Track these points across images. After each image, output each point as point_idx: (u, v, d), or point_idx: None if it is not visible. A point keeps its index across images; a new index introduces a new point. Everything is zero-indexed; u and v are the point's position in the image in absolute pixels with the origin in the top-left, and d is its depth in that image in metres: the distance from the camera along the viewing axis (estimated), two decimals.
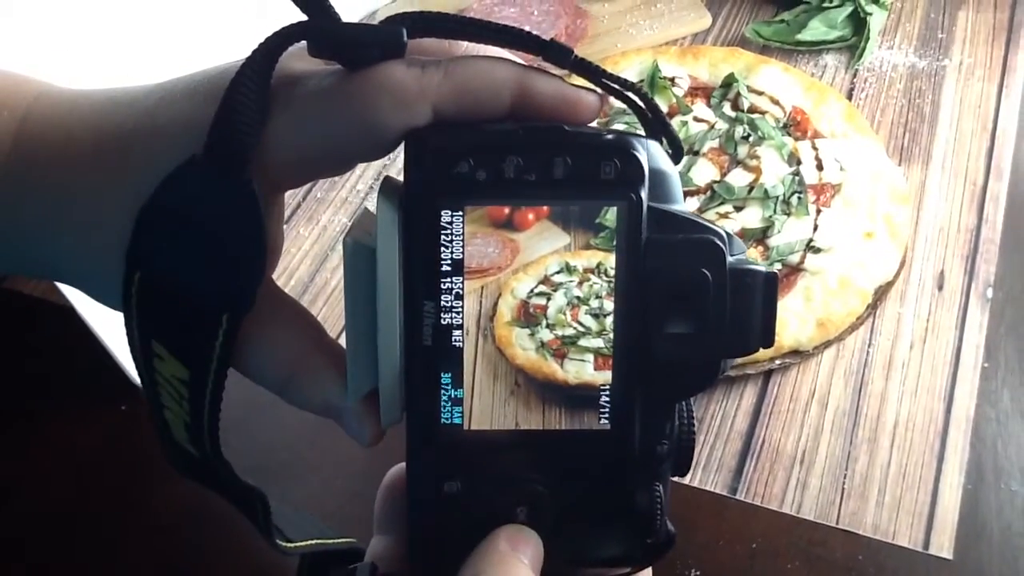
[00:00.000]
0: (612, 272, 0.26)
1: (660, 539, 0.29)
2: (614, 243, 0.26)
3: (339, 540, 0.39)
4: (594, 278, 0.27)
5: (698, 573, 0.52)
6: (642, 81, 0.75)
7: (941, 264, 0.63)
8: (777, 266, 0.61)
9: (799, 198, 0.64)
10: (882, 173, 0.66)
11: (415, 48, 0.27)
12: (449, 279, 0.26)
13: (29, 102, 0.30)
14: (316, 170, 0.29)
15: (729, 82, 0.73)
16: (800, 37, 0.78)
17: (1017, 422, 0.55)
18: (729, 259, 0.26)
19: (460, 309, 0.27)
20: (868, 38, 0.77)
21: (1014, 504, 0.52)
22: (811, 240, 0.62)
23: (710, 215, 0.65)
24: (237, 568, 0.53)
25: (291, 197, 0.78)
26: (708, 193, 0.66)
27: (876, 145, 0.68)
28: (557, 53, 0.27)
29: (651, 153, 0.26)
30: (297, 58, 0.27)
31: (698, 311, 0.26)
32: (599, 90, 0.28)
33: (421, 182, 0.26)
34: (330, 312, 0.66)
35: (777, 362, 0.58)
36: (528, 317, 0.27)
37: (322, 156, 0.28)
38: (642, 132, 0.29)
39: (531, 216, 0.26)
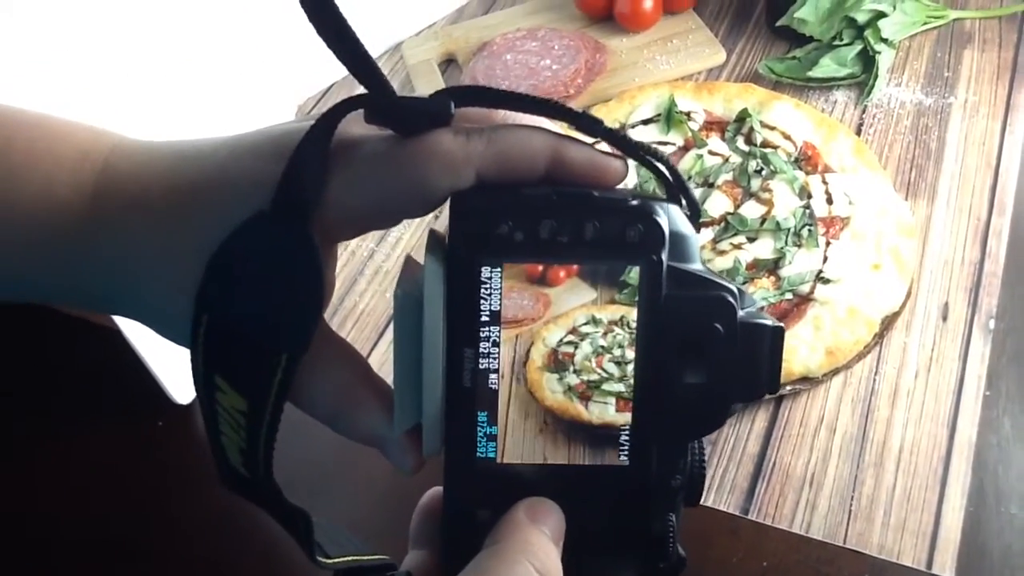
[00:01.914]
0: (634, 325, 0.29)
1: (672, 563, 0.32)
2: (636, 299, 0.29)
3: (375, 556, 0.41)
4: (617, 329, 0.29)
5: None
6: (659, 115, 0.78)
7: (946, 296, 0.66)
8: (788, 295, 0.64)
9: (809, 230, 0.67)
10: (889, 207, 0.69)
11: (460, 115, 0.30)
12: (488, 328, 0.29)
13: (106, 153, 0.33)
14: (369, 225, 0.32)
15: (743, 117, 0.76)
16: (811, 74, 0.81)
17: (1017, 449, 0.58)
18: (740, 313, 0.29)
19: (497, 355, 0.29)
20: (877, 75, 0.80)
21: (1013, 526, 0.54)
22: (821, 271, 0.65)
23: (724, 246, 0.68)
24: None
25: None
26: (722, 224, 0.69)
27: (884, 180, 0.71)
28: (588, 123, 0.30)
29: (671, 217, 0.29)
30: (355, 123, 0.30)
31: (711, 362, 0.29)
32: (624, 156, 0.31)
33: (464, 240, 0.28)
34: (358, 335, 0.69)
35: (788, 388, 0.61)
36: (557, 364, 0.30)
37: (375, 213, 0.30)
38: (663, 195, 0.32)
39: (562, 274, 0.29)
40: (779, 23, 0.84)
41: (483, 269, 0.28)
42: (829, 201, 0.69)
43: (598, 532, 0.31)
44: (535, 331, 0.30)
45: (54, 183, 0.32)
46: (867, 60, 0.81)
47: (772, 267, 0.66)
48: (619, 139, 0.30)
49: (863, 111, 0.79)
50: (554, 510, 0.30)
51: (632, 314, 0.29)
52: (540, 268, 0.29)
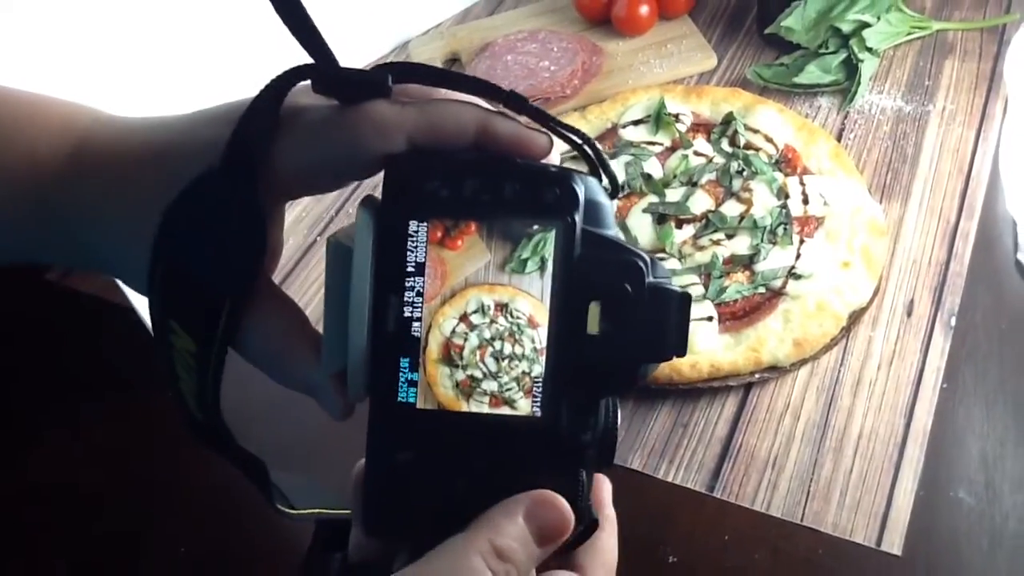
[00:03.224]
0: (516, 313, 0.31)
1: (583, 522, 0.32)
2: (539, 266, 0.30)
3: (344, 511, 0.42)
4: (501, 319, 0.31)
5: (675, 559, 0.58)
6: (649, 116, 0.82)
7: (912, 293, 0.69)
8: (761, 289, 0.68)
9: (785, 229, 0.71)
10: (862, 208, 0.72)
11: (402, 92, 0.33)
12: (413, 279, 0.31)
13: (87, 123, 0.37)
14: (313, 185, 0.34)
15: (728, 120, 0.80)
16: (797, 80, 0.85)
17: (968, 439, 0.61)
18: (649, 279, 0.31)
19: (420, 304, 0.31)
20: (859, 83, 0.83)
21: (961, 510, 0.58)
22: (793, 267, 0.69)
23: (704, 241, 0.72)
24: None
25: (325, 211, 0.86)
26: (703, 221, 0.73)
27: (859, 183, 0.74)
28: (516, 101, 0.33)
29: (589, 187, 0.31)
30: (303, 94, 0.33)
31: (619, 321, 0.31)
32: (549, 132, 0.33)
33: (394, 196, 0.31)
34: None
35: (756, 376, 0.65)
36: (449, 358, 0.31)
37: (317, 173, 0.33)
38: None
39: (460, 243, 0.31)
40: (768, 31, 0.87)
41: (411, 223, 0.31)
42: (805, 201, 0.73)
43: (512, 484, 0.31)
44: (432, 313, 0.31)
45: (37, 147, 0.36)
46: (851, 68, 0.85)
47: (748, 262, 0.70)
48: (544, 116, 0.33)
49: (845, 116, 0.83)
50: (551, 504, 0.31)
51: (516, 301, 0.31)
52: (439, 233, 0.31)
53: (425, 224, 0.31)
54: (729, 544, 0.59)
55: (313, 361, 0.33)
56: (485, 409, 0.31)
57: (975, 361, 0.65)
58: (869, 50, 0.85)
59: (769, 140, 0.78)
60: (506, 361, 0.31)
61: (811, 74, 0.85)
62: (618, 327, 0.31)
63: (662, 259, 0.71)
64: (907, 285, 0.70)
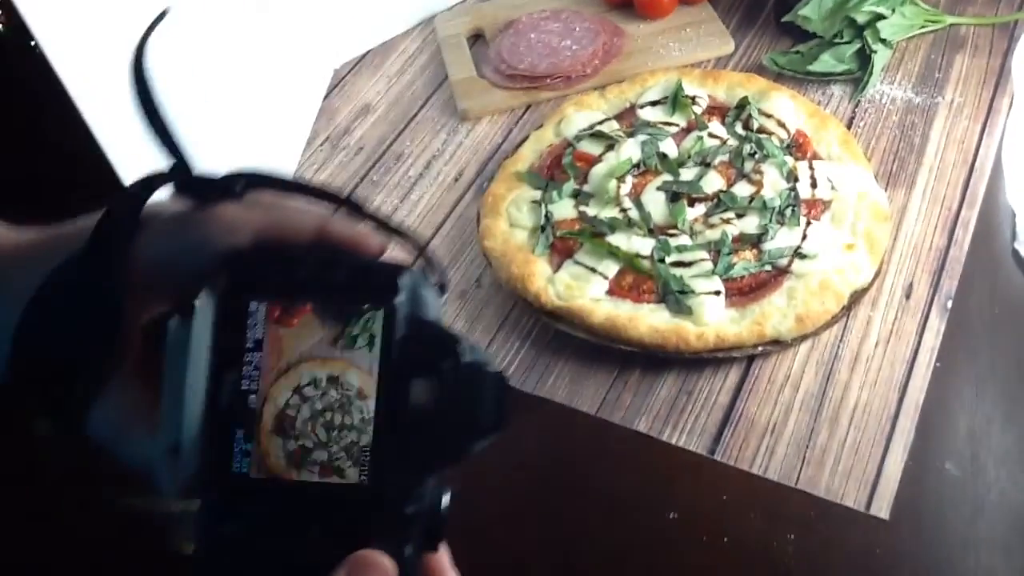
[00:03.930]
0: (347, 385, 0.32)
1: None
2: (368, 342, 0.33)
3: None
4: (332, 391, 0.32)
5: (675, 515, 0.62)
6: (666, 98, 0.85)
7: (911, 277, 0.72)
8: (767, 267, 0.71)
9: (793, 210, 0.74)
10: (868, 194, 0.75)
11: (255, 200, 0.35)
12: (251, 354, 0.33)
13: None
14: (169, 280, 0.35)
15: (743, 104, 0.83)
16: (811, 68, 0.87)
17: (958, 415, 0.65)
18: (465, 359, 0.33)
19: (257, 378, 0.32)
20: (872, 73, 0.86)
21: (946, 481, 0.62)
22: (799, 247, 0.72)
23: (714, 220, 0.75)
24: None
25: (349, 179, 0.89)
26: (715, 201, 0.76)
27: (866, 169, 0.77)
28: (353, 207, 0.36)
29: (415, 279, 0.33)
30: (162, 198, 0.35)
31: (438, 395, 0.33)
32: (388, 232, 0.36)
33: (235, 280, 0.33)
34: None
35: (759, 349, 0.68)
36: (282, 429, 0.33)
37: (173, 265, 0.34)
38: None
39: (295, 320, 0.33)
40: (785, 19, 0.90)
41: (251, 303, 0.33)
42: (814, 185, 0.76)
43: (342, 553, 0.32)
44: (268, 387, 0.33)
45: None
46: (864, 58, 0.88)
47: (756, 241, 0.73)
48: (381, 221, 0.36)
49: (856, 105, 0.86)
50: (370, 561, 0.32)
51: (348, 373, 0.32)
52: (277, 313, 0.33)
53: (264, 304, 0.33)
54: (727, 504, 0.62)
55: (153, 437, 0.34)
56: (315, 478, 0.32)
57: (968, 343, 0.68)
58: (883, 41, 0.88)
59: (781, 125, 0.81)
60: (336, 431, 0.32)
61: (825, 63, 0.87)
62: (438, 404, 0.33)
63: (674, 235, 0.74)
64: (907, 269, 0.73)
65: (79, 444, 0.35)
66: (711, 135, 0.81)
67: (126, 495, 0.38)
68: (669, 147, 0.81)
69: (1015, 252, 0.72)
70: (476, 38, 1.00)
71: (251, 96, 0.86)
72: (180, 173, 0.35)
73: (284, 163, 0.92)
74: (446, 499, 0.34)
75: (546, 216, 0.78)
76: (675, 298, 0.70)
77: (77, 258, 0.34)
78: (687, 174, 0.79)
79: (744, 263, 0.72)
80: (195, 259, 0.34)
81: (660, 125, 0.83)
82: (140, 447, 0.35)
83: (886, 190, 0.77)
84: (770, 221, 0.74)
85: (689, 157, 0.80)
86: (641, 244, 0.74)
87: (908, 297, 0.71)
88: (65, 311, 0.34)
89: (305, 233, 0.35)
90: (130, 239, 0.34)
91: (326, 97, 0.98)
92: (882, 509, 0.60)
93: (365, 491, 0.32)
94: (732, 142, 0.80)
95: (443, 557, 0.36)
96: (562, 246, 0.76)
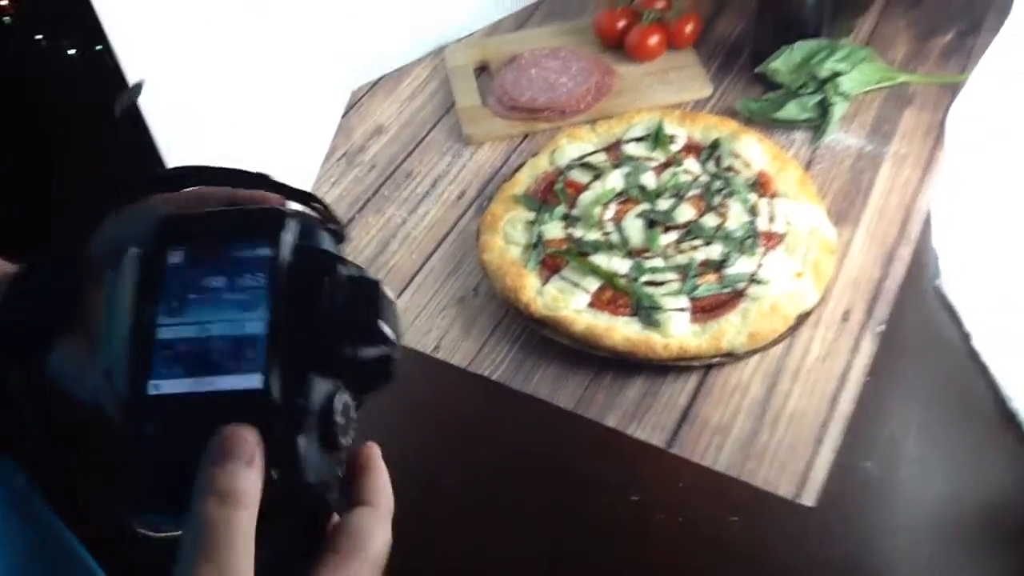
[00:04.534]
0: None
1: (296, 487, 0.36)
2: (262, 269, 0.38)
3: None
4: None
5: (638, 498, 0.73)
6: (649, 135, 0.96)
7: (850, 304, 0.84)
8: (727, 289, 0.82)
9: (752, 241, 0.85)
10: (819, 230, 0.87)
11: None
12: (169, 291, 0.38)
13: None
14: (116, 250, 0.40)
15: (716, 144, 0.94)
16: (778, 115, 0.99)
17: (880, 423, 0.76)
18: (344, 271, 0.38)
19: (178, 309, 0.38)
20: (830, 122, 0.98)
21: (867, 476, 0.73)
22: (755, 274, 0.83)
23: (684, 246, 0.86)
24: None
25: (363, 193, 1.00)
26: (686, 229, 0.88)
27: (818, 208, 0.89)
28: (264, 180, 0.42)
29: (311, 224, 0.39)
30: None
31: (323, 304, 0.37)
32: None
33: (159, 234, 0.39)
34: (390, 283, 0.88)
35: (716, 359, 0.79)
36: (191, 351, 0.37)
37: (119, 240, 0.40)
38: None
39: (207, 260, 0.39)
40: (757, 70, 1.02)
41: (170, 253, 0.38)
42: (771, 220, 0.87)
43: None
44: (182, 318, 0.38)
45: None
46: (825, 108, 0.99)
47: (718, 266, 0.84)
48: (289, 188, 0.42)
49: (815, 150, 0.97)
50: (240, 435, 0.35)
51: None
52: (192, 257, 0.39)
53: (180, 251, 0.39)
54: (682, 490, 0.73)
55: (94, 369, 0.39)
56: (218, 387, 0.36)
57: (894, 363, 0.80)
58: (841, 94, 0.99)
59: (748, 165, 0.92)
60: (233, 345, 0.37)
61: (790, 111, 0.99)
62: (321, 313, 0.37)
63: (648, 258, 0.85)
64: (847, 296, 0.84)
65: (42, 385, 0.43)
66: (686, 171, 0.93)
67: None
68: (649, 179, 0.92)
69: (936, 288, 0.84)
70: (482, 69, 1.11)
71: (275, 113, 0.96)
72: (139, 181, 0.43)
73: (304, 176, 1.02)
74: (339, 402, 0.37)
75: (538, 235, 0.89)
76: (646, 313, 0.81)
77: (43, 252, 0.43)
78: (663, 204, 0.90)
79: (707, 285, 0.83)
80: (133, 230, 0.40)
81: (642, 159, 0.94)
82: (86, 380, 0.42)
83: (835, 227, 0.89)
84: (732, 250, 0.85)
85: (666, 189, 0.91)
86: (620, 264, 0.85)
87: (846, 321, 0.83)
88: (31, 289, 0.43)
89: (219, 199, 0.42)
90: (89, 233, 0.42)
91: (344, 116, 1.09)
92: (810, 499, 0.72)
93: (258, 392, 0.36)
94: (704, 178, 0.92)
95: (373, 452, 0.40)
96: (551, 263, 0.87)
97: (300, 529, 0.38)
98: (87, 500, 0.49)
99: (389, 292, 0.39)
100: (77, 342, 0.43)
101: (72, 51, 0.73)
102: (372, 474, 0.40)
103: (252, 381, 0.36)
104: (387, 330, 0.38)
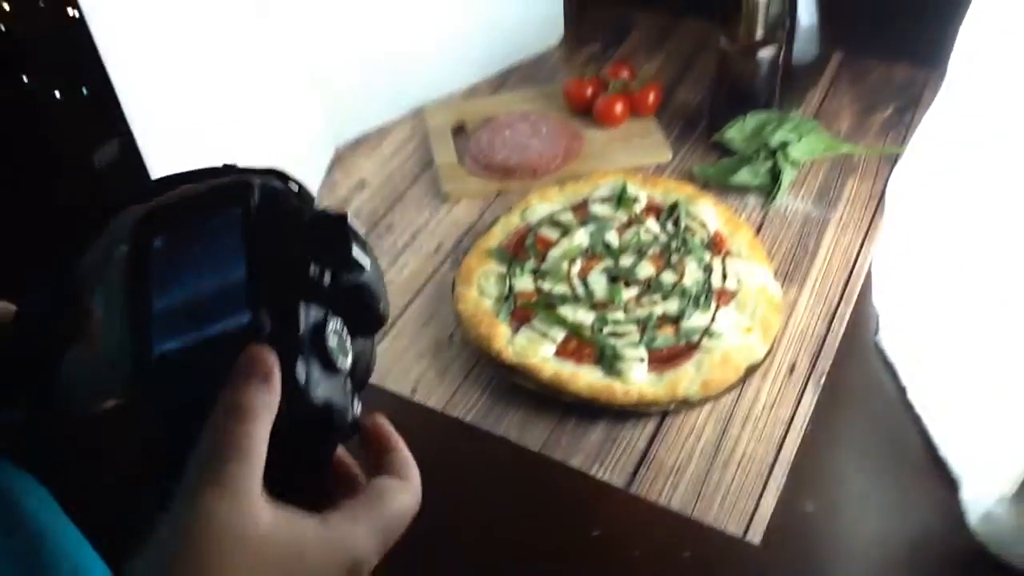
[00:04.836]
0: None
1: (307, 414, 0.38)
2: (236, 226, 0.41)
3: None
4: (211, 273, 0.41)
5: (598, 533, 0.79)
6: (613, 195, 1.03)
7: (795, 357, 0.91)
8: (683, 341, 0.89)
9: (706, 297, 0.93)
10: (767, 288, 0.94)
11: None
12: (161, 272, 0.41)
13: None
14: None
15: (675, 206, 1.02)
16: (731, 179, 1.07)
17: (820, 467, 0.83)
18: (311, 212, 0.42)
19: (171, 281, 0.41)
20: (779, 188, 1.06)
21: (808, 516, 0.79)
22: (709, 327, 0.90)
23: (644, 301, 0.93)
24: None
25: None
26: (646, 285, 0.95)
27: (767, 268, 0.97)
28: (231, 168, 0.46)
29: (276, 188, 0.43)
30: None
31: (290, 241, 0.40)
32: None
33: (143, 227, 0.43)
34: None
35: (672, 406, 0.86)
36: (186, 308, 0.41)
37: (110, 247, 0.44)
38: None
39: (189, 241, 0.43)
40: (713, 138, 1.10)
41: (154, 240, 0.42)
42: (724, 278, 0.95)
43: None
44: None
45: None
46: (775, 174, 1.07)
47: (675, 319, 0.91)
48: (258, 169, 0.45)
49: (766, 213, 1.05)
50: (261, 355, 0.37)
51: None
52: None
53: (161, 236, 0.43)
54: (639, 526, 0.79)
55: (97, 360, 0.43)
56: (213, 332, 0.39)
57: (835, 412, 0.87)
58: (791, 162, 1.08)
59: (703, 226, 1.00)
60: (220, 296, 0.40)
61: (743, 176, 1.07)
62: (299, 246, 0.40)
63: (611, 311, 0.92)
64: (792, 350, 0.92)
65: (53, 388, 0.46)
66: (647, 230, 1.00)
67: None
68: (612, 238, 1.00)
69: (876, 343, 0.91)
70: (459, 129, 1.19)
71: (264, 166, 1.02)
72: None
73: None
74: (330, 325, 0.39)
75: (510, 288, 0.95)
76: (608, 362, 0.88)
77: (49, 267, 0.46)
78: (625, 261, 0.97)
79: (665, 337, 0.90)
80: (118, 236, 0.44)
81: (607, 219, 1.01)
82: (94, 379, 0.44)
83: (782, 285, 0.96)
84: (688, 305, 0.92)
85: (628, 247, 0.98)
86: (585, 316, 0.92)
87: (791, 373, 0.90)
88: (39, 302, 0.46)
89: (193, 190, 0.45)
90: (81, 250, 0.45)
91: (328, 171, 1.16)
92: (756, 536, 0.78)
93: (248, 325, 0.38)
94: (663, 237, 0.99)
95: (388, 429, 0.42)
96: (521, 313, 0.93)
97: (309, 453, 0.39)
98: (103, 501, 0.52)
99: (356, 224, 0.42)
100: (81, 346, 0.45)
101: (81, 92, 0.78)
102: (395, 451, 0.42)
103: (241, 319, 0.38)
104: (358, 255, 0.41)
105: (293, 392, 0.37)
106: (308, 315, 0.38)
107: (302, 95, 1.10)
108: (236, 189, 0.43)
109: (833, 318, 0.94)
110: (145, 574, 0.34)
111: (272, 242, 0.40)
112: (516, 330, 0.92)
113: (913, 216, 0.93)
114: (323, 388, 0.38)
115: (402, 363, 0.93)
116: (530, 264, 0.97)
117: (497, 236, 1.01)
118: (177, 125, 0.85)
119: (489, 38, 1.23)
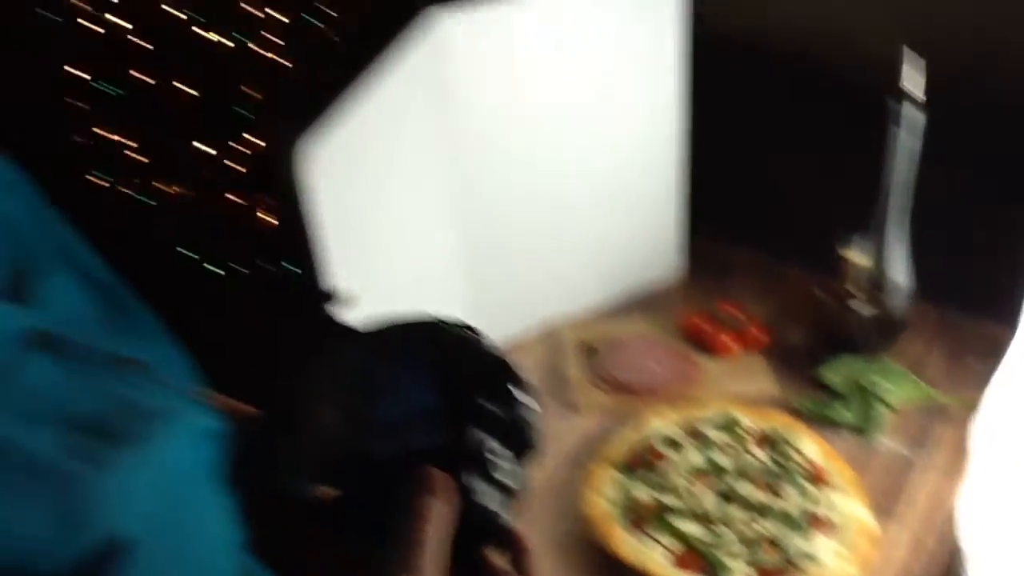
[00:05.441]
0: None
1: (467, 506, 0.51)
2: None
3: None
4: None
5: None
6: (723, 422, 1.17)
7: None
8: (786, 562, 1.00)
9: (805, 523, 1.04)
10: (863, 520, 1.05)
11: None
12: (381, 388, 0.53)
13: None
14: None
15: (778, 436, 1.15)
16: (828, 415, 1.20)
17: None
18: (482, 348, 0.54)
19: None
20: (874, 428, 1.18)
21: None
22: (806, 551, 1.01)
23: (749, 520, 1.05)
24: None
25: None
26: (751, 505, 1.07)
27: (862, 502, 1.08)
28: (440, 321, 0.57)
29: (456, 326, 0.55)
30: None
31: (465, 374, 0.53)
32: None
33: (366, 351, 0.55)
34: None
35: None
36: None
37: None
38: None
39: None
40: (813, 376, 1.24)
41: (374, 364, 0.54)
42: (822, 506, 1.06)
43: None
44: None
45: None
46: (869, 414, 1.20)
47: (776, 541, 1.03)
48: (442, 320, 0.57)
49: (860, 449, 1.17)
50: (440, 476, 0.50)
51: None
52: None
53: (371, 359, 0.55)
54: None
55: None
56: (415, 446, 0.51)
57: None
58: (885, 404, 1.21)
59: (803, 456, 1.13)
60: None
61: (840, 413, 1.20)
62: (470, 379, 0.53)
63: (720, 526, 1.04)
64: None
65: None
66: (752, 455, 1.13)
67: None
68: (720, 458, 1.13)
69: None
70: (586, 347, 1.36)
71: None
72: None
73: None
74: (487, 445, 0.52)
75: (628, 495, 1.09)
76: (716, 574, 0.99)
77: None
78: (732, 481, 1.10)
79: (767, 556, 1.01)
80: (349, 355, 0.55)
81: (715, 441, 1.15)
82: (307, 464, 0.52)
83: (875, 519, 1.07)
84: (789, 528, 1.04)
85: (735, 469, 1.11)
86: (696, 530, 1.04)
87: None
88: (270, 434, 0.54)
89: None
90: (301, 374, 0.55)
91: None
92: None
93: (443, 446, 0.50)
94: (767, 462, 1.12)
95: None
96: (637, 520, 1.06)
97: (470, 547, 0.51)
98: None
99: (515, 366, 0.53)
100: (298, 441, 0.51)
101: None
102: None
103: (435, 439, 0.50)
104: (515, 391, 0.52)
105: (462, 493, 0.49)
106: (473, 438, 0.50)
107: (436, 305, 1.28)
108: (430, 328, 0.55)
109: (922, 554, 1.04)
110: None
111: (459, 377, 0.52)
112: (633, 535, 1.04)
113: (997, 462, 1.03)
114: (484, 494, 0.50)
115: None
116: (647, 475, 1.11)
117: (618, 446, 1.16)
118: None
119: (610, 264, 1.41)
